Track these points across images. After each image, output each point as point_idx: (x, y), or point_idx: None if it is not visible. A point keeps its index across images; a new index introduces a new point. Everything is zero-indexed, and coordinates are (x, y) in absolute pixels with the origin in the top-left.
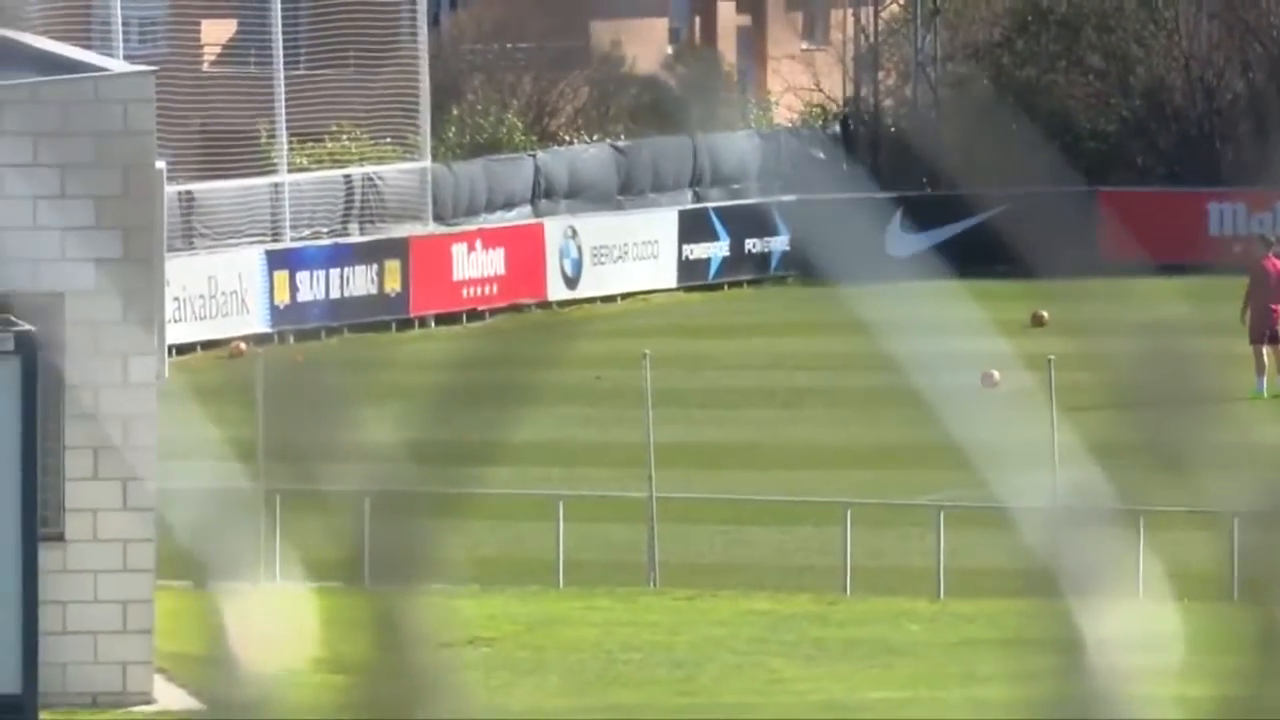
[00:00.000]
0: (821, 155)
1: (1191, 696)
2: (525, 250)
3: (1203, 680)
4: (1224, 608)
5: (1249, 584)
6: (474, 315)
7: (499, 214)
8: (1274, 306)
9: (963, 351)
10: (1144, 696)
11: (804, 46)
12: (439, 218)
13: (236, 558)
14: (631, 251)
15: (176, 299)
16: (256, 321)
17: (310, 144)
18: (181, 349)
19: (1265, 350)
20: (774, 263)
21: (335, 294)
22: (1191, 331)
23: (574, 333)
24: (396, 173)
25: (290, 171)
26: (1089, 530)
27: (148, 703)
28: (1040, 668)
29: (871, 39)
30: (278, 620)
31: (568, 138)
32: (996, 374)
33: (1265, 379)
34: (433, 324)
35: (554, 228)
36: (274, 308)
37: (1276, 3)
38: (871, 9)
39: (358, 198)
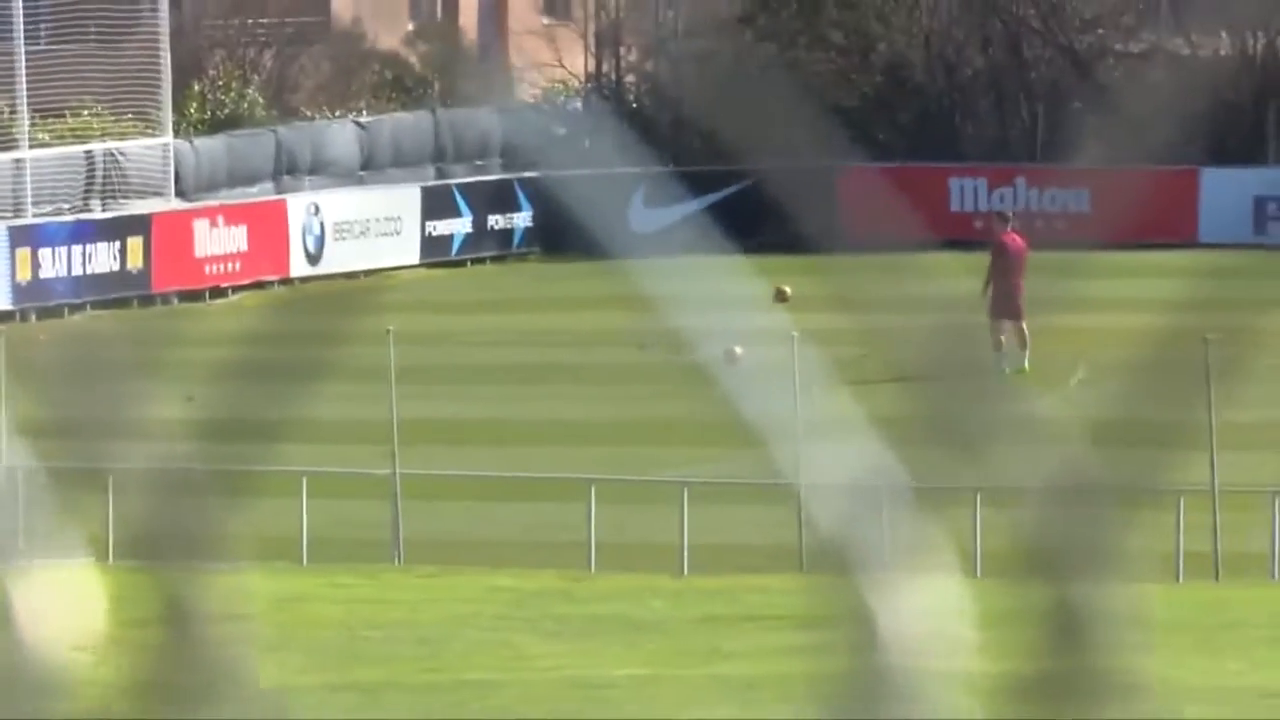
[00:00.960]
0: (563, 131)
1: (979, 672)
2: (268, 227)
3: (991, 657)
4: (1016, 584)
5: (1042, 559)
6: (217, 292)
7: (241, 190)
8: (1016, 282)
9: (706, 327)
10: (928, 671)
11: (546, 21)
12: (181, 194)
13: (22, 536)
14: (374, 228)
15: None
16: None
17: (52, 120)
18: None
19: (1007, 326)
20: (517, 239)
21: (78, 271)
22: (941, 306)
23: (316, 308)
24: (139, 149)
25: (31, 147)
26: (860, 505)
27: None
28: (785, 644)
29: (613, 14)
30: (71, 597)
31: (310, 114)
32: (739, 349)
33: (1007, 355)
34: (175, 301)
35: (296, 204)
36: (16, 285)
37: None
38: None
39: (100, 174)
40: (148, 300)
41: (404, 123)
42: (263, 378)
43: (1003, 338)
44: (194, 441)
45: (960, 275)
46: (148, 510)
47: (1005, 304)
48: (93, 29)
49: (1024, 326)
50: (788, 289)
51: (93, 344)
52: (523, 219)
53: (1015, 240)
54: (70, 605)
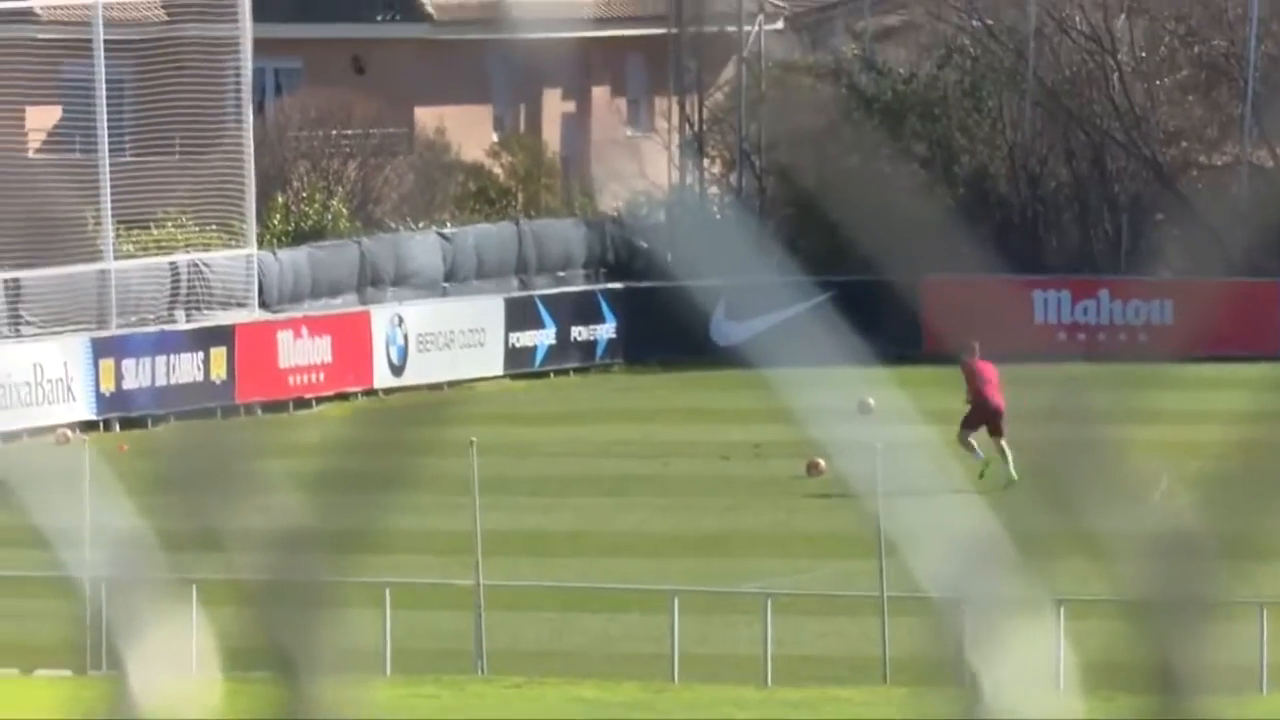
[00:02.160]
0: (646, 243)
1: None
2: (351, 338)
3: None
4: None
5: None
6: (300, 403)
7: (325, 301)
8: (997, 400)
9: (788, 439)
10: None
11: (629, 134)
12: (265, 305)
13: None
14: (458, 339)
15: (2, 386)
16: (83, 409)
17: (136, 231)
18: (7, 436)
19: (973, 437)
20: (600, 350)
21: (161, 381)
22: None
23: (401, 419)
24: (223, 260)
25: (116, 258)
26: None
27: None
28: None
29: (696, 127)
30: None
31: (393, 224)
32: (872, 400)
33: (1010, 463)
34: (259, 411)
35: (380, 315)
36: (100, 395)
37: (1099, 91)
38: (696, 97)
39: (184, 284)
40: (231, 411)
41: (487, 234)
42: (346, 488)
43: (972, 441)
44: (277, 553)
45: (1042, 387)
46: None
47: (985, 418)
48: (177, 140)
49: (1003, 442)
50: (871, 400)
51: (174, 455)
52: (606, 330)
53: (985, 365)
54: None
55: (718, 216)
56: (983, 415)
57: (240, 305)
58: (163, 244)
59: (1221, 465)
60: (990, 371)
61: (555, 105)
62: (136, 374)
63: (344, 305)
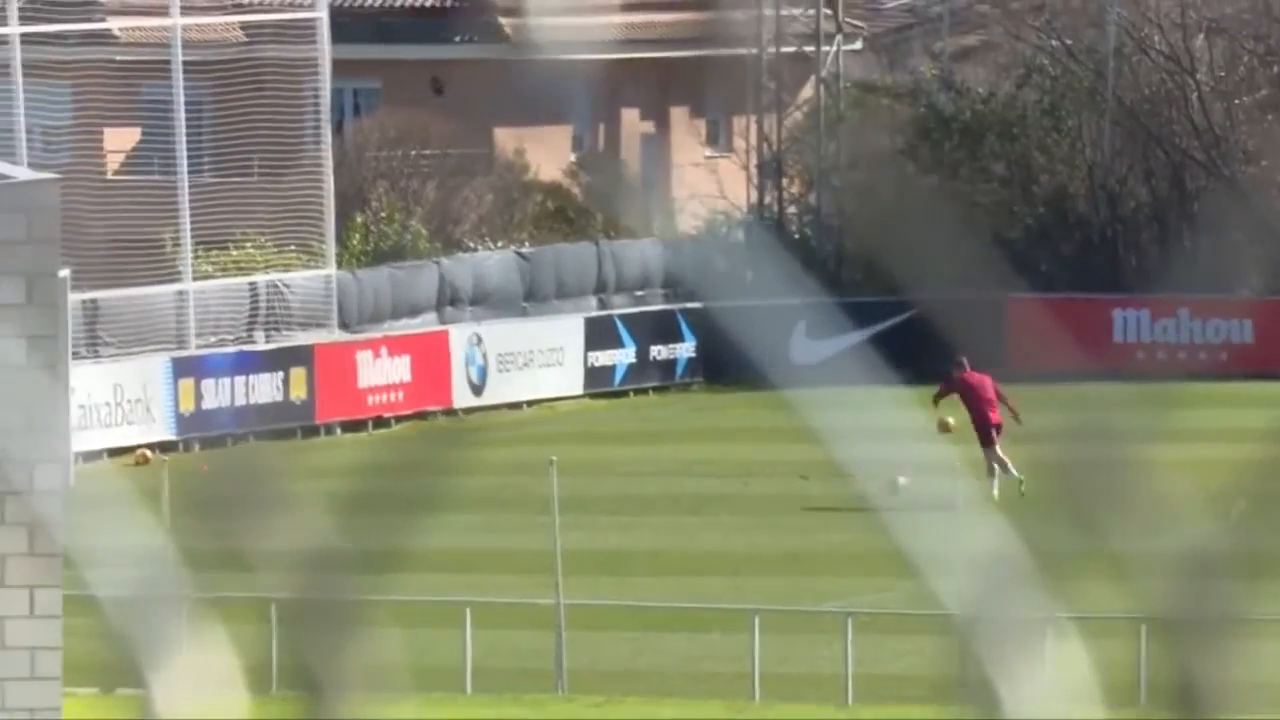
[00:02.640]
0: (725, 262)
1: None
2: (431, 357)
3: None
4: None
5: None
6: (380, 423)
7: (404, 321)
8: (990, 413)
9: (869, 458)
10: None
11: (708, 154)
12: (344, 325)
13: (145, 664)
14: (537, 359)
15: (82, 406)
16: (162, 429)
17: (215, 251)
18: (87, 456)
19: (991, 452)
20: (680, 369)
21: (240, 401)
22: (1098, 437)
23: (479, 440)
24: (301, 280)
25: (195, 279)
26: (1011, 633)
27: None
28: None
29: (775, 146)
30: None
31: (472, 245)
32: (903, 480)
33: (995, 480)
34: (338, 431)
35: (459, 335)
36: (179, 415)
37: (1178, 111)
38: (775, 116)
39: (263, 305)
40: (311, 431)
41: (566, 253)
42: (423, 508)
43: (994, 465)
44: (356, 573)
45: (1120, 407)
46: (307, 640)
47: (985, 432)
48: (256, 161)
49: (998, 451)
50: (951, 420)
51: (254, 475)
52: (685, 349)
53: (975, 376)
54: None
55: (796, 236)
56: (982, 430)
57: (320, 325)
58: (241, 265)
59: None
60: (984, 385)
61: (634, 125)
62: (216, 394)
63: (423, 325)
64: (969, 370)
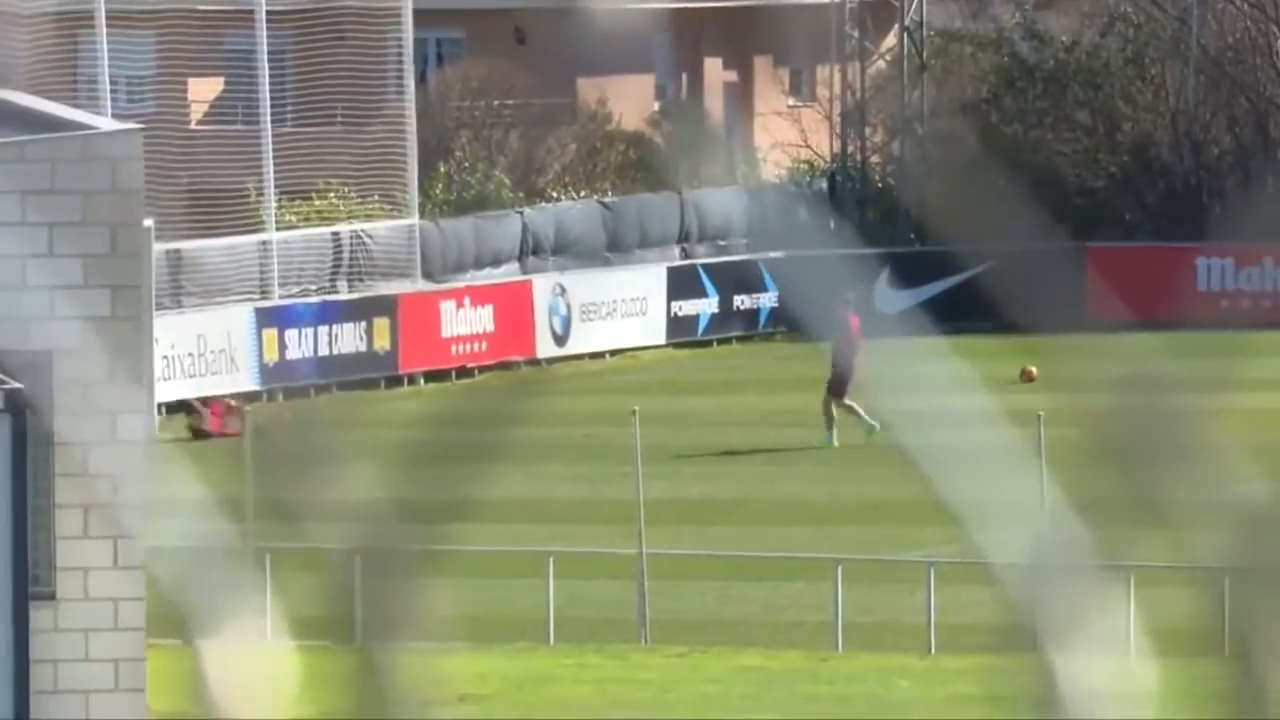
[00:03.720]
0: (808, 212)
1: None
2: (514, 307)
3: None
4: (1209, 664)
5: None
6: (463, 373)
7: (487, 271)
8: (853, 361)
9: (950, 408)
10: None
11: (791, 103)
12: (427, 275)
13: (225, 616)
14: (620, 308)
15: (165, 357)
16: (246, 379)
17: (298, 201)
18: (171, 407)
19: (834, 403)
20: (762, 319)
21: (324, 351)
22: (1179, 387)
23: (562, 389)
24: (385, 230)
25: (278, 229)
26: (1071, 585)
27: None
28: None
29: (858, 95)
30: (266, 678)
31: (555, 194)
32: (1033, 369)
33: (835, 431)
34: (422, 381)
35: (542, 285)
36: (263, 365)
37: (1263, 58)
38: (858, 65)
39: (346, 255)
40: (394, 381)
41: (649, 203)
42: (506, 458)
43: (835, 412)
44: (440, 523)
45: (1207, 357)
46: (387, 590)
47: (845, 382)
48: (339, 111)
49: (847, 401)
50: (1033, 369)
51: (328, 427)
52: (768, 299)
53: (856, 321)
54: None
55: (879, 185)
56: (844, 377)
57: (403, 275)
58: (325, 214)
59: None
60: (857, 331)
61: (717, 74)
62: (299, 344)
63: (506, 275)
64: (853, 312)
